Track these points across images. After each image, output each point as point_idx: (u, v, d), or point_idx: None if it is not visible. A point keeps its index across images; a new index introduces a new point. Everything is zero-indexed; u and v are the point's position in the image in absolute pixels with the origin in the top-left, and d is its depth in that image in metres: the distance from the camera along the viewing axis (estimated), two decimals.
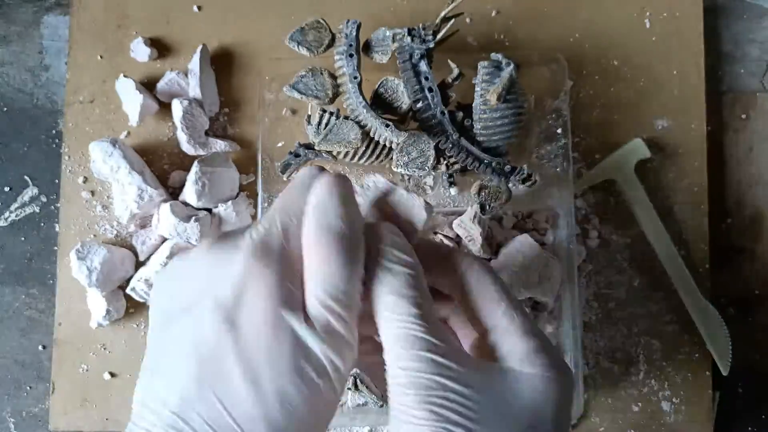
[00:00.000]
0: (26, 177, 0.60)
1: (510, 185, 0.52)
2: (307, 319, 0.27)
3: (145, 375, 0.30)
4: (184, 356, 0.27)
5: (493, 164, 0.52)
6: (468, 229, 0.52)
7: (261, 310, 0.27)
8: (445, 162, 0.52)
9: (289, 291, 0.28)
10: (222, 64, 0.59)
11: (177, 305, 0.29)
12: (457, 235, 0.54)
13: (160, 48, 0.59)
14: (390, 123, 0.49)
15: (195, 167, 0.54)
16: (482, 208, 0.52)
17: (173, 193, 0.58)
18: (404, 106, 0.51)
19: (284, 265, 0.28)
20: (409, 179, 0.56)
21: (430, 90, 0.51)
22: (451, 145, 0.51)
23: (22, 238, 0.59)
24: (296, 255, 0.29)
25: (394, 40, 0.51)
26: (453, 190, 0.56)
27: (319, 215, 0.29)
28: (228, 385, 0.26)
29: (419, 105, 0.51)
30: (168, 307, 0.30)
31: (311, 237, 0.28)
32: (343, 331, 0.28)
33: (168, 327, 0.29)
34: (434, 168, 0.52)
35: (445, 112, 0.51)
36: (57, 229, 0.59)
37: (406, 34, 0.51)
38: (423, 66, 0.51)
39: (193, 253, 0.30)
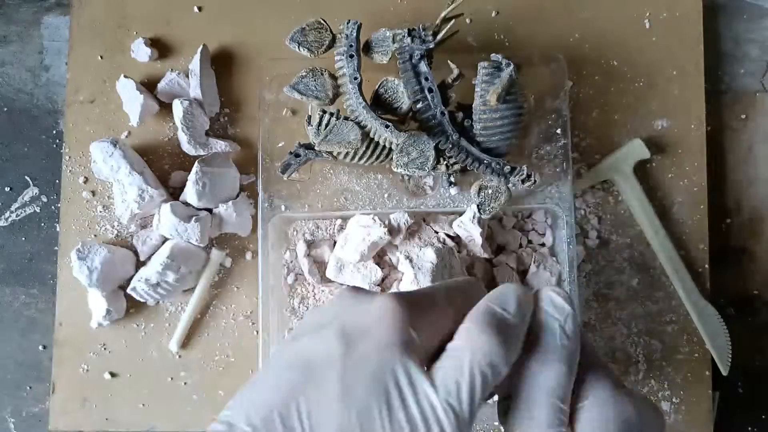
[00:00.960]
0: (27, 177, 0.60)
1: (510, 185, 0.52)
2: (424, 369, 0.28)
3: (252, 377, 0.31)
4: (290, 364, 0.28)
5: (493, 164, 0.52)
6: (468, 230, 0.53)
7: (377, 338, 0.28)
8: (445, 162, 0.52)
9: (412, 336, 0.28)
10: (222, 64, 0.59)
11: (308, 327, 0.30)
12: (457, 235, 0.54)
13: (161, 48, 0.59)
14: (390, 124, 0.49)
15: (195, 167, 0.54)
16: (479, 208, 0.52)
17: (174, 193, 0.58)
18: (404, 107, 0.51)
19: (417, 312, 0.29)
20: (409, 179, 0.56)
21: (430, 90, 0.51)
22: (451, 146, 0.51)
23: (23, 238, 0.60)
24: (435, 317, 0.30)
25: (394, 41, 0.51)
26: (453, 190, 0.56)
27: (496, 298, 0.30)
28: (320, 394, 0.27)
29: (419, 105, 0.51)
30: (300, 330, 0.31)
31: (481, 313, 0.29)
32: (466, 405, 0.27)
33: (292, 343, 0.30)
34: (434, 168, 0.52)
35: (445, 112, 0.51)
36: (57, 229, 0.59)
37: (406, 34, 0.51)
38: (423, 66, 0.51)
39: (338, 292, 0.32)
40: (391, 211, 0.53)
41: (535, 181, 0.52)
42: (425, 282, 0.49)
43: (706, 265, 0.58)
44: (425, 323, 0.29)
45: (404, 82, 0.51)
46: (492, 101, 0.50)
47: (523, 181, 0.52)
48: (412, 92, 0.51)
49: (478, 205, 0.52)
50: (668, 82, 0.59)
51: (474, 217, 0.52)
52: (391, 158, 0.52)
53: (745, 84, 0.61)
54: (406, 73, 0.51)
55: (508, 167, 0.52)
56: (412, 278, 0.49)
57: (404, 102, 0.51)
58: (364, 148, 0.51)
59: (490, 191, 0.52)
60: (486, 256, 0.54)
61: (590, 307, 0.58)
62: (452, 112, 0.52)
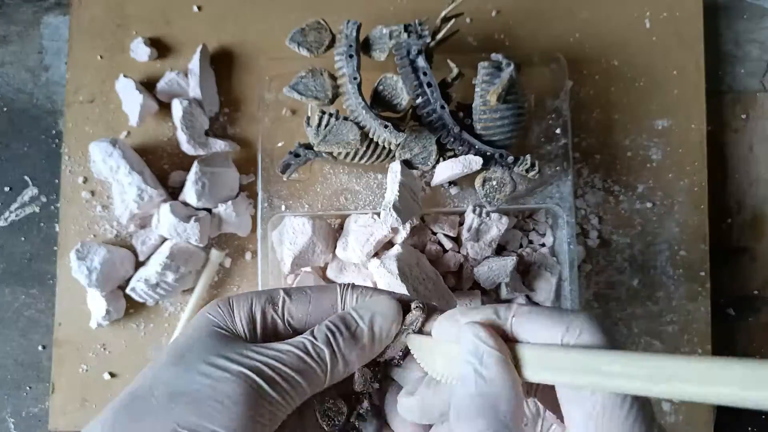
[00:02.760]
0: (26, 177, 0.60)
1: (513, 176, 0.52)
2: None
3: None
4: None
5: (496, 155, 0.52)
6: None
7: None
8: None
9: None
10: (222, 64, 0.59)
11: None
12: (458, 235, 0.54)
13: (160, 48, 0.59)
14: (389, 124, 0.49)
15: (195, 167, 0.54)
16: (485, 199, 0.52)
17: (173, 193, 0.57)
18: (404, 103, 0.51)
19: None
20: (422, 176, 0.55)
21: (429, 85, 0.51)
22: (452, 139, 0.51)
23: (22, 238, 0.59)
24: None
25: (391, 38, 0.51)
26: (453, 190, 0.56)
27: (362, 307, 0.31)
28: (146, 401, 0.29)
29: (419, 100, 0.51)
30: None
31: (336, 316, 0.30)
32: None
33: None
34: (437, 163, 0.52)
35: (445, 106, 0.51)
36: (57, 229, 0.59)
37: (403, 30, 0.51)
38: (421, 61, 0.51)
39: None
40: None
41: (539, 170, 0.52)
42: (396, 284, 0.48)
43: (707, 265, 0.58)
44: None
45: (403, 78, 0.51)
46: (492, 101, 0.50)
47: (527, 171, 0.52)
48: (411, 87, 0.51)
49: (483, 197, 0.52)
50: (668, 82, 0.59)
51: (474, 211, 0.52)
52: (392, 158, 0.52)
53: (745, 84, 0.61)
54: (404, 69, 0.51)
55: (512, 157, 0.52)
56: (387, 282, 0.48)
57: (404, 98, 0.51)
58: (363, 148, 0.51)
59: (494, 182, 0.52)
60: (487, 255, 0.53)
61: (591, 307, 0.57)
62: (453, 112, 0.52)
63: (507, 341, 0.26)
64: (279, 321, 0.31)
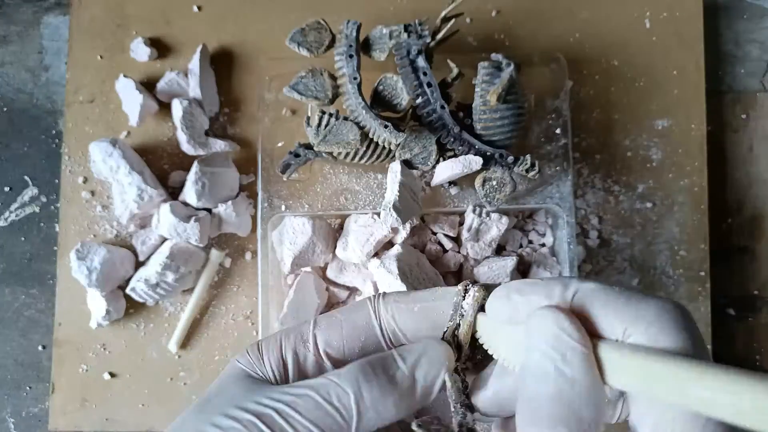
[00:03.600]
0: (26, 177, 0.60)
1: (513, 176, 0.52)
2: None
3: None
4: None
5: (496, 155, 0.52)
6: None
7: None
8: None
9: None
10: (222, 64, 0.59)
11: None
12: (458, 235, 0.54)
13: (160, 48, 0.59)
14: (389, 124, 0.49)
15: (195, 167, 0.54)
16: (485, 199, 0.52)
17: (173, 193, 0.57)
18: (404, 103, 0.51)
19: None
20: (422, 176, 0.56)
21: (429, 85, 0.51)
22: (452, 139, 0.51)
23: (22, 238, 0.59)
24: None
25: (391, 38, 0.51)
26: (453, 190, 0.56)
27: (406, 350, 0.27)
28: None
29: (419, 100, 0.51)
30: None
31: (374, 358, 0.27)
32: None
33: None
34: (437, 163, 0.52)
35: (445, 106, 0.51)
36: (57, 229, 0.59)
37: (403, 30, 0.51)
38: (421, 61, 0.51)
39: None
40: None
41: (539, 170, 0.52)
42: (397, 284, 0.48)
43: (706, 265, 0.58)
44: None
45: (403, 78, 0.51)
46: (492, 101, 0.50)
47: (527, 171, 0.52)
48: (411, 87, 0.51)
49: (483, 197, 0.52)
50: (668, 82, 0.59)
51: (474, 211, 0.52)
52: (392, 158, 0.52)
53: (745, 84, 0.61)
54: (404, 69, 0.51)
55: (512, 157, 0.52)
56: (388, 283, 0.48)
57: (403, 98, 0.51)
58: (363, 148, 0.51)
59: (494, 182, 0.52)
60: (487, 254, 0.54)
61: None
62: (453, 112, 0.52)
63: None
64: (311, 356, 0.27)
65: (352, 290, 0.55)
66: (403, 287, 0.47)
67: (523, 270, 0.55)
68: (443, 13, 0.52)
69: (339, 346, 0.27)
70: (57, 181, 0.59)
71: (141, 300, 0.55)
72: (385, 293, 0.29)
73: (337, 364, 0.27)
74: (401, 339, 0.28)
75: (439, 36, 0.52)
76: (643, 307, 0.21)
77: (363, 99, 0.49)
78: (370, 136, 0.50)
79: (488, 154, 0.52)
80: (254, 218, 0.58)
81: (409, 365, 0.26)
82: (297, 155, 0.52)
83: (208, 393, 0.28)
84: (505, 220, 0.53)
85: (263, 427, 0.24)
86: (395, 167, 0.50)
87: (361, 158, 0.52)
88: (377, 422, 0.25)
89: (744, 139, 0.61)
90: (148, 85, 0.58)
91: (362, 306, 0.28)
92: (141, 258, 0.57)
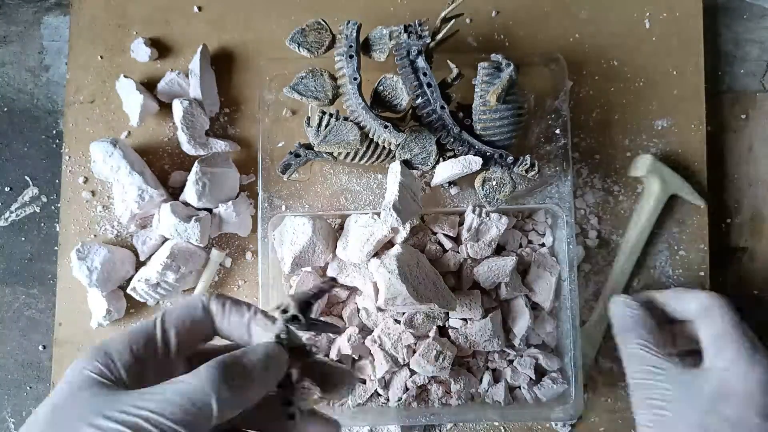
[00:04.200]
0: (27, 177, 0.60)
1: (513, 176, 0.52)
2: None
3: None
4: None
5: (496, 156, 0.52)
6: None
7: None
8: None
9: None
10: (222, 64, 0.59)
11: None
12: (458, 235, 0.54)
13: (161, 48, 0.59)
14: (389, 124, 0.49)
15: (195, 167, 0.54)
16: (485, 199, 0.52)
17: (173, 193, 0.58)
18: (404, 103, 0.51)
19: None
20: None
21: (429, 85, 0.51)
22: (452, 139, 0.51)
23: (23, 238, 0.60)
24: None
25: (391, 38, 0.51)
26: (453, 190, 0.56)
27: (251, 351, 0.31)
28: None
29: (419, 101, 0.51)
30: None
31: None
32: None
33: None
34: (437, 163, 0.52)
35: (445, 106, 0.51)
36: (57, 229, 0.59)
37: (403, 30, 0.51)
38: (421, 62, 0.51)
39: None
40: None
41: (538, 170, 0.52)
42: (397, 284, 0.48)
43: (706, 265, 0.58)
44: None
45: (403, 79, 0.51)
46: (492, 101, 0.50)
47: (527, 171, 0.52)
48: (411, 88, 0.51)
49: (483, 197, 0.52)
50: (668, 82, 0.59)
51: (474, 211, 0.52)
52: (392, 157, 0.53)
53: (745, 84, 0.61)
54: (404, 69, 0.51)
55: (511, 157, 0.52)
56: (386, 283, 0.48)
57: (404, 98, 0.51)
58: (363, 149, 0.51)
59: (494, 183, 0.52)
60: (487, 254, 0.54)
61: (590, 307, 0.58)
62: (453, 112, 0.52)
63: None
64: (160, 345, 0.30)
65: (352, 290, 0.55)
66: (403, 287, 0.47)
67: (522, 270, 0.55)
68: (443, 14, 0.52)
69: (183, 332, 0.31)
70: (57, 181, 0.59)
71: (142, 300, 0.55)
72: (220, 294, 0.33)
73: (187, 359, 0.31)
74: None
75: (439, 36, 0.52)
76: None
77: (363, 99, 0.49)
78: (370, 136, 0.50)
79: (488, 154, 0.52)
80: (255, 218, 0.58)
81: (257, 360, 0.29)
82: (297, 155, 0.52)
83: (54, 403, 0.27)
84: (504, 220, 0.53)
85: None
86: (395, 167, 0.50)
87: (361, 158, 0.52)
88: (234, 411, 0.28)
89: (744, 139, 0.61)
90: (148, 86, 0.58)
91: (196, 299, 0.32)
92: (142, 258, 0.57)
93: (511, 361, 0.54)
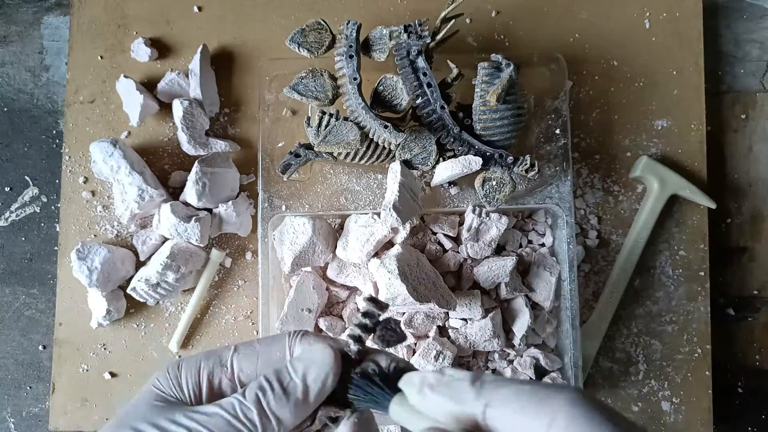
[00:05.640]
0: (27, 177, 0.60)
1: (513, 176, 0.52)
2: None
3: None
4: None
5: (496, 156, 0.52)
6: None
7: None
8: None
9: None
10: (222, 64, 0.59)
11: None
12: (458, 235, 0.54)
13: (161, 48, 0.59)
14: (389, 124, 0.49)
15: (195, 167, 0.54)
16: (485, 199, 0.52)
17: (174, 193, 0.58)
18: (404, 103, 0.51)
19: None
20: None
21: (429, 85, 0.51)
22: (452, 139, 0.51)
23: (23, 238, 0.60)
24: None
25: (391, 38, 0.51)
26: (453, 190, 0.56)
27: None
28: None
29: (419, 101, 0.51)
30: None
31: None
32: None
33: None
34: (437, 163, 0.52)
35: (445, 106, 0.51)
36: (57, 229, 0.59)
37: (403, 30, 0.51)
38: (421, 62, 0.51)
39: None
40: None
41: (538, 170, 0.52)
42: (397, 284, 0.48)
43: (706, 265, 0.58)
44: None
45: (403, 79, 0.51)
46: (492, 101, 0.50)
47: (526, 171, 0.52)
48: (411, 88, 0.51)
49: (483, 197, 0.52)
50: (668, 82, 0.59)
51: (474, 211, 0.52)
52: (392, 158, 0.53)
53: (745, 84, 0.61)
54: (404, 69, 0.51)
55: (511, 157, 0.52)
56: (386, 283, 0.48)
57: (403, 98, 0.51)
58: (363, 149, 0.51)
59: (494, 182, 0.52)
60: (487, 254, 0.54)
61: (590, 307, 0.58)
62: (453, 112, 0.52)
63: None
64: (226, 381, 0.30)
65: (352, 290, 0.55)
66: (402, 287, 0.47)
67: (522, 270, 0.55)
68: (443, 14, 0.52)
69: (251, 374, 0.30)
70: (57, 181, 0.59)
71: (141, 300, 0.55)
72: (306, 331, 0.32)
73: None
74: None
75: (439, 36, 0.52)
76: (556, 410, 0.22)
77: (363, 99, 0.49)
78: (370, 136, 0.50)
79: (488, 154, 0.52)
80: (255, 218, 0.58)
81: (300, 374, 0.29)
82: (297, 155, 0.52)
83: (122, 411, 0.30)
84: (504, 220, 0.53)
85: None
86: (395, 167, 0.50)
87: (361, 158, 0.52)
88: (280, 428, 0.28)
89: (744, 139, 0.61)
90: (148, 86, 0.58)
91: (280, 339, 0.31)
92: (142, 258, 0.57)
93: (511, 361, 0.54)
